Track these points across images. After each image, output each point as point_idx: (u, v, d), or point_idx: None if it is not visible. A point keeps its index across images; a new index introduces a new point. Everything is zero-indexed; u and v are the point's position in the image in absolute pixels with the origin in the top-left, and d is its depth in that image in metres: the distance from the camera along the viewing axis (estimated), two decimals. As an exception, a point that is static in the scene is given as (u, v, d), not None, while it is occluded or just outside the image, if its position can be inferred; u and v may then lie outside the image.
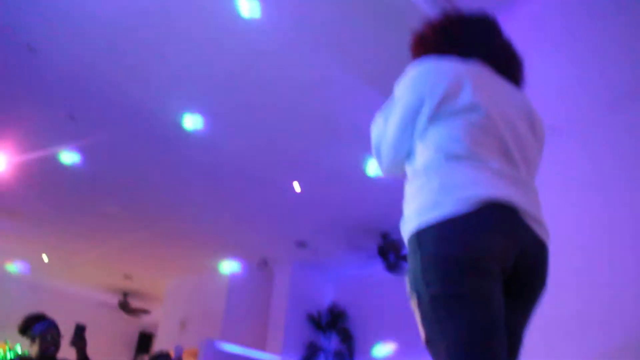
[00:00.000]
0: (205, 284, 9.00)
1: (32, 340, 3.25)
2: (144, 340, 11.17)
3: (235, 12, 3.70)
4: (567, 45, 3.04)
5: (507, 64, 1.51)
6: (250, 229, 7.38)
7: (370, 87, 4.28)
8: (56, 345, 3.27)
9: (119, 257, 8.78)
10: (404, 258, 6.88)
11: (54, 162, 5.75)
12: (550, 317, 2.00)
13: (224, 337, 7.76)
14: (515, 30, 3.32)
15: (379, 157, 1.47)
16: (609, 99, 2.72)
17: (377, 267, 7.33)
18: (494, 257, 1.18)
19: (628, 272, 2.33)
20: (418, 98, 1.34)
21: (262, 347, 7.97)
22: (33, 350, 3.23)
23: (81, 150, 5.59)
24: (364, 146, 5.03)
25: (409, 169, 1.40)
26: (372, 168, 5.35)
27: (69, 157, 5.68)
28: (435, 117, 1.32)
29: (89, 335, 3.38)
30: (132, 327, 11.10)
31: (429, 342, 1.19)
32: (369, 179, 5.54)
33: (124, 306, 10.39)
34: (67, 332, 3.36)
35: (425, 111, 1.33)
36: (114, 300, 10.49)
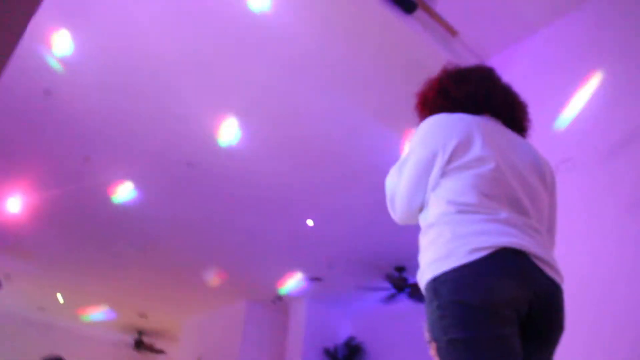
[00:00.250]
0: (221, 320, 8.95)
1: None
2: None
3: (243, 33, 3.73)
4: (578, 78, 3.05)
5: (510, 114, 1.57)
6: (266, 264, 7.35)
7: (382, 127, 4.32)
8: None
9: (134, 295, 8.79)
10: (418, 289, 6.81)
11: (68, 202, 5.81)
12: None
13: (241, 373, 7.70)
14: (524, 65, 3.41)
15: (393, 208, 1.52)
16: (621, 134, 2.71)
17: (393, 300, 7.25)
18: (509, 301, 1.21)
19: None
20: (431, 152, 1.39)
21: (279, 382, 7.88)
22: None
23: (96, 191, 5.65)
24: (376, 182, 5.13)
25: (422, 220, 1.44)
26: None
27: (85, 197, 5.74)
28: (447, 170, 1.38)
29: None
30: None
31: None
32: (381, 213, 5.51)
33: (139, 345, 10.32)
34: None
35: (438, 165, 1.38)
36: (129, 339, 10.43)
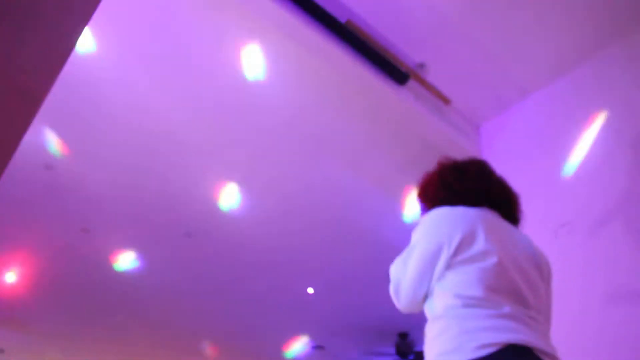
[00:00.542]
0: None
1: None
2: None
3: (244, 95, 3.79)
4: (571, 140, 3.09)
5: (507, 207, 1.64)
6: (268, 334, 7.20)
7: (381, 193, 4.34)
8: None
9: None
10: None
11: (66, 273, 5.75)
12: None
13: None
14: (518, 129, 3.46)
15: (397, 297, 1.56)
16: (618, 195, 2.71)
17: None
18: None
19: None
20: (436, 245, 1.44)
21: None
22: None
23: (94, 262, 5.60)
24: (377, 249, 5.15)
25: (428, 311, 1.48)
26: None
27: (83, 269, 5.69)
28: (452, 263, 1.42)
29: None
30: None
31: None
32: (382, 280, 5.46)
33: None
34: None
35: (444, 258, 1.43)
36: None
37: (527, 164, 3.28)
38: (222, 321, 6.98)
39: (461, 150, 3.56)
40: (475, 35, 3.14)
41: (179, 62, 3.40)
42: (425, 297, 1.50)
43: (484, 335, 1.28)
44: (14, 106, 1.28)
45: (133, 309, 6.70)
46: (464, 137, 3.65)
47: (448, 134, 3.53)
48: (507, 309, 1.34)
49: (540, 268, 1.53)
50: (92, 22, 1.56)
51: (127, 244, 5.45)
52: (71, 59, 1.49)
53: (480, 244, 1.42)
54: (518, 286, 1.40)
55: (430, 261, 1.45)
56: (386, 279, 1.56)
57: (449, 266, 1.42)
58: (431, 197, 1.66)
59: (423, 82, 3.44)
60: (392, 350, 6.94)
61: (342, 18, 3.07)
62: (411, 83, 3.37)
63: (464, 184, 1.63)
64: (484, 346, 1.26)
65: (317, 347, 7.46)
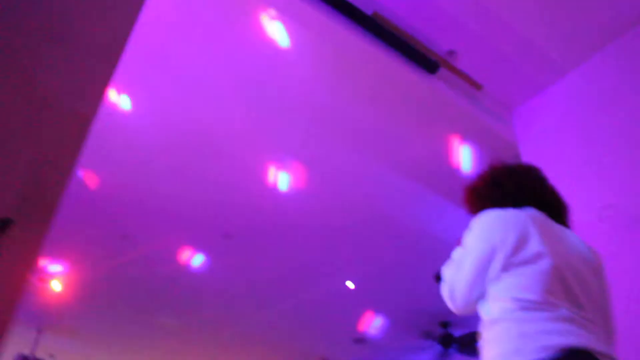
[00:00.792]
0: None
1: None
2: None
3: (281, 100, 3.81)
4: (614, 118, 2.99)
5: (558, 211, 1.65)
6: (307, 328, 7.24)
7: (416, 184, 4.30)
8: None
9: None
10: (465, 344, 6.64)
11: (111, 278, 5.89)
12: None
13: None
14: (554, 111, 3.37)
15: (453, 300, 1.56)
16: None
17: (446, 358, 7.00)
18: None
19: None
20: (490, 248, 1.45)
21: None
22: None
23: (135, 266, 5.72)
24: (413, 241, 5.13)
25: (484, 314, 1.48)
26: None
27: (126, 273, 5.82)
28: (507, 265, 1.43)
29: None
30: None
31: None
32: (420, 270, 5.44)
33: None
34: None
35: (498, 261, 1.43)
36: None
37: (564, 145, 3.20)
38: (262, 320, 7.03)
39: (496, 135, 3.50)
40: (503, 15, 3.06)
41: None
42: (480, 299, 1.51)
43: (543, 338, 1.29)
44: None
45: (183, 311, 6.84)
46: (498, 122, 3.59)
47: (482, 120, 3.48)
48: (564, 311, 1.35)
49: (594, 267, 1.52)
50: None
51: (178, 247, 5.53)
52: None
53: (534, 246, 1.42)
54: (572, 287, 1.41)
55: (485, 265, 1.46)
56: (423, 269, 1.56)
57: (504, 268, 1.43)
58: (483, 196, 1.67)
59: (454, 70, 3.40)
60: (435, 341, 6.88)
61: (368, 10, 3.04)
62: (442, 71, 3.33)
63: (516, 183, 1.64)
64: (545, 348, 1.26)
65: (357, 340, 7.46)
